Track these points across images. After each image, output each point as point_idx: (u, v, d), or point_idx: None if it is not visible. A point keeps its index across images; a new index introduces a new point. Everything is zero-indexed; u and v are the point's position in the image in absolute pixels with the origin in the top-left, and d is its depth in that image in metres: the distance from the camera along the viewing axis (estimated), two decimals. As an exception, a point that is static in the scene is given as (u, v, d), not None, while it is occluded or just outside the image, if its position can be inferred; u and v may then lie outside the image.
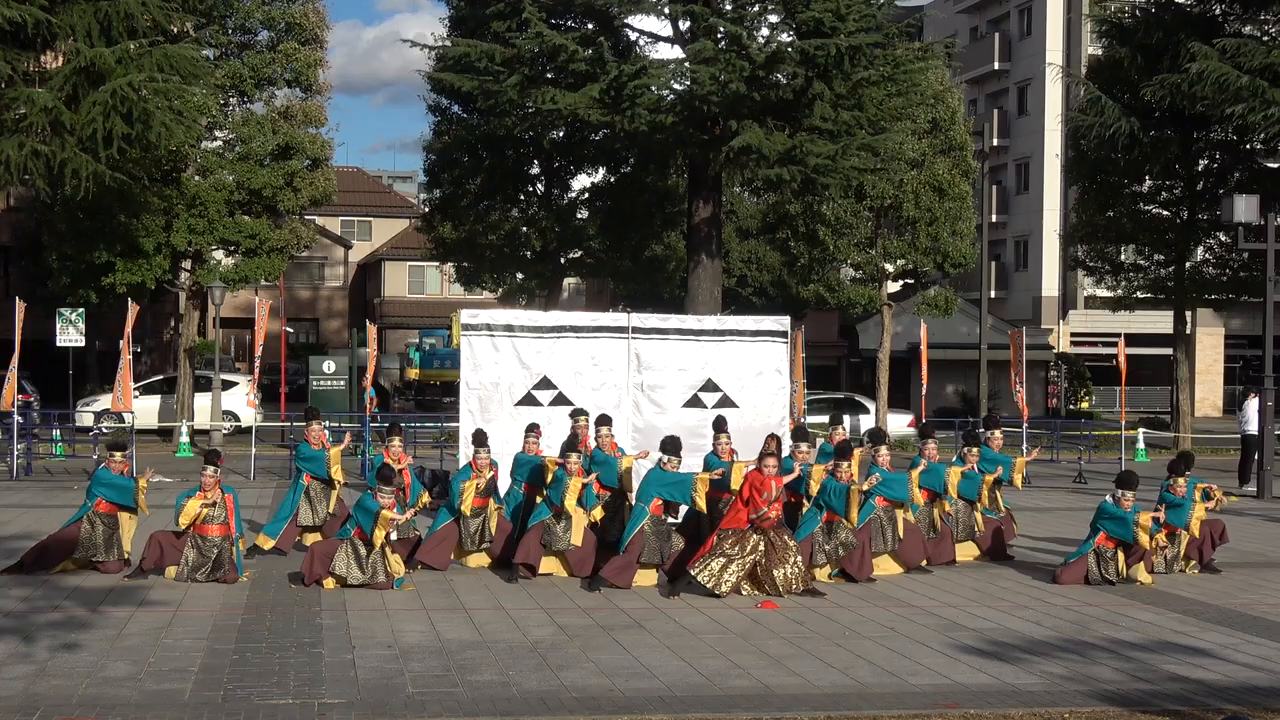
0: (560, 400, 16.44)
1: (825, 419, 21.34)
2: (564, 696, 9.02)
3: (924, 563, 14.33)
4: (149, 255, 30.71)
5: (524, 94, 24.61)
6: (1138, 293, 36.04)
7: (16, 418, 23.94)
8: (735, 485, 13.03)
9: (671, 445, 13.36)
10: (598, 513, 13.78)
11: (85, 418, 31.48)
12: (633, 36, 26.15)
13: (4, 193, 38.76)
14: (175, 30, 27.23)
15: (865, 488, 13.67)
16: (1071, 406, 47.33)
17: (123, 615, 11.39)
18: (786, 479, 13.29)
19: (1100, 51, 37.19)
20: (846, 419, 26.11)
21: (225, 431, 31.15)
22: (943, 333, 41.49)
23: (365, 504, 12.74)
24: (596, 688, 9.26)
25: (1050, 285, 51.58)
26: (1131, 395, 38.98)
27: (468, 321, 16.74)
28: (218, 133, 31.96)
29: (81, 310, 30.70)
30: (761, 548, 12.79)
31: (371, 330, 28.64)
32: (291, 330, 53.67)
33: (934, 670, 9.95)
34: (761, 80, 24.08)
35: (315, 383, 32.94)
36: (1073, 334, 51.02)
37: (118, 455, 13.77)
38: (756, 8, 25.18)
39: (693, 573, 12.68)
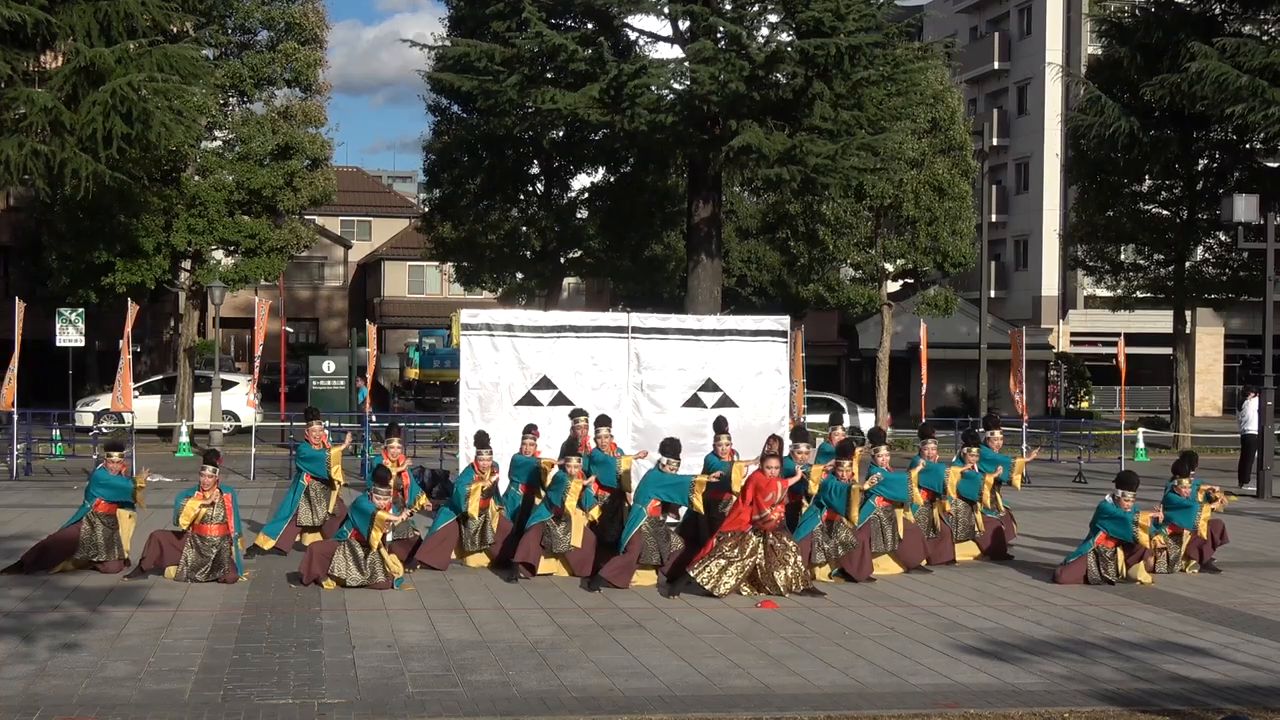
0: (560, 400, 16.44)
1: (825, 419, 21.34)
2: (564, 696, 9.02)
3: (924, 562, 14.33)
4: (149, 255, 30.71)
5: (524, 94, 24.62)
6: (1137, 292, 36.04)
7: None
8: (736, 487, 13.03)
9: (670, 447, 13.36)
10: (595, 512, 13.79)
11: (85, 418, 31.48)
12: (632, 36, 26.16)
13: (4, 193, 38.78)
14: (175, 30, 27.24)
15: (866, 487, 13.68)
16: (1071, 406, 47.33)
17: (123, 615, 11.39)
18: (791, 481, 13.30)
19: (1100, 51, 37.18)
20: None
21: (225, 431, 31.15)
22: (942, 332, 41.50)
23: (361, 505, 12.75)
24: (596, 687, 9.26)
25: (1050, 285, 51.59)
26: (1131, 395, 38.98)
27: (467, 321, 16.74)
28: (217, 133, 31.96)
29: (81, 310, 30.71)
30: (761, 550, 12.79)
31: (371, 330, 28.63)
32: (291, 330, 53.66)
33: (934, 670, 9.95)
34: (761, 80, 24.08)
35: (315, 383, 32.95)
36: (1072, 334, 51.01)
37: (115, 455, 13.78)
38: (756, 7, 25.19)
39: (692, 574, 12.68)
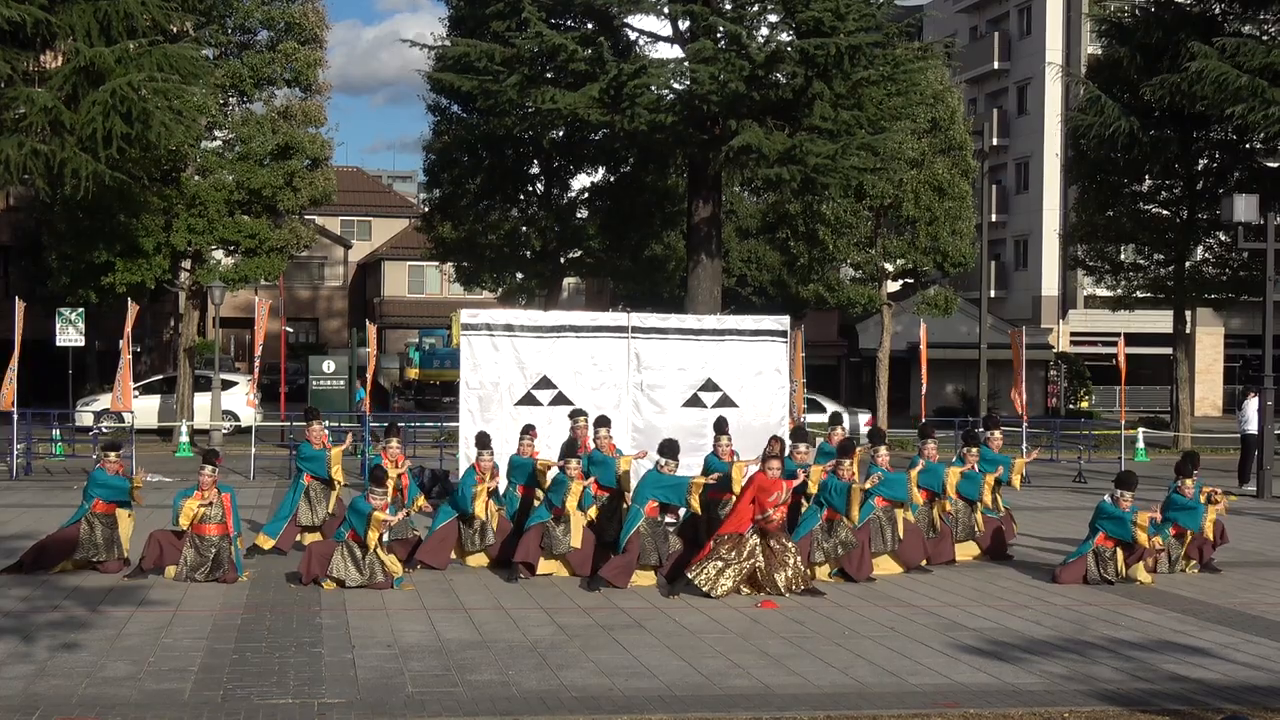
0: (560, 400, 16.44)
1: (825, 418, 21.32)
2: (564, 696, 9.02)
3: (924, 562, 14.33)
4: (149, 255, 30.71)
5: (524, 94, 24.62)
6: (1137, 292, 36.03)
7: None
8: (736, 488, 13.03)
9: (669, 449, 13.36)
10: (592, 512, 13.79)
11: (85, 418, 31.48)
12: (632, 36, 26.16)
13: (4, 192, 38.79)
14: (175, 30, 27.25)
15: (867, 486, 13.67)
16: (1071, 406, 47.32)
17: (122, 615, 11.39)
18: (794, 483, 13.30)
19: (1100, 51, 37.18)
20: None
21: (225, 431, 31.15)
22: (942, 332, 41.50)
23: (357, 506, 12.76)
24: (596, 687, 9.26)
25: (1050, 285, 51.58)
26: (1131, 395, 38.95)
27: (467, 321, 16.74)
28: (217, 132, 31.96)
29: (81, 310, 30.70)
30: (759, 553, 12.78)
31: (371, 330, 28.63)
32: (291, 330, 53.65)
33: (934, 670, 9.95)
34: (761, 80, 24.08)
35: (315, 383, 32.94)
36: (1072, 333, 51.01)
37: (112, 455, 13.79)
38: (756, 7, 25.19)
39: (689, 576, 12.68)
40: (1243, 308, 39.64)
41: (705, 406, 16.72)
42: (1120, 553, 13.70)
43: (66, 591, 12.36)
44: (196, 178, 31.38)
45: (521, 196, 35.74)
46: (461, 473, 15.05)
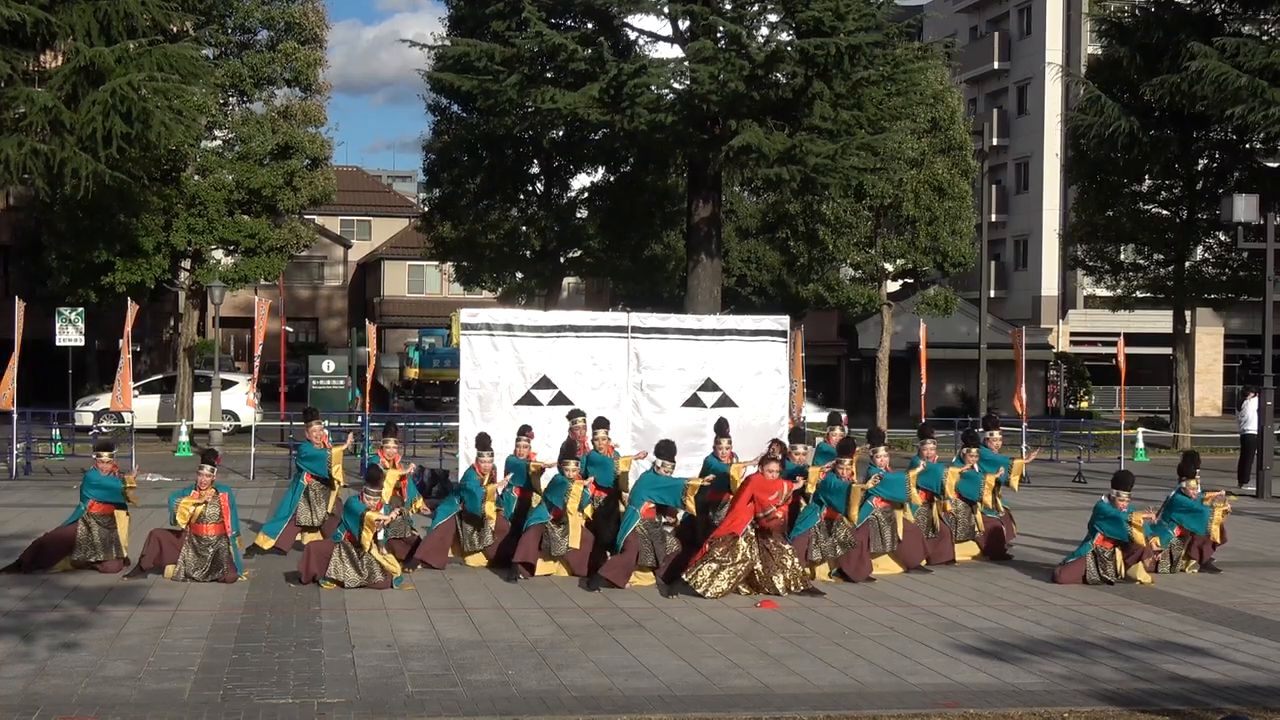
0: (560, 400, 16.45)
1: (824, 418, 21.31)
2: (563, 696, 9.02)
3: (924, 562, 14.33)
4: (149, 255, 30.71)
5: (524, 93, 24.63)
6: (1137, 292, 36.03)
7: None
8: (734, 489, 13.01)
9: (666, 450, 13.34)
10: (588, 511, 13.78)
11: (85, 417, 31.47)
12: (632, 36, 26.18)
13: (4, 192, 38.77)
14: (175, 30, 27.25)
15: (868, 486, 13.67)
16: (1071, 406, 47.32)
17: (122, 615, 11.39)
18: (795, 485, 13.29)
19: (1100, 51, 37.17)
20: None
21: (225, 431, 31.14)
22: (942, 332, 41.48)
23: (352, 506, 12.77)
24: (596, 687, 9.26)
25: (1050, 285, 51.58)
26: (1131, 395, 38.93)
27: (467, 321, 16.75)
28: (217, 132, 31.96)
29: (81, 310, 30.69)
30: (755, 554, 12.76)
31: (371, 330, 28.62)
32: (291, 330, 53.66)
33: (934, 670, 9.95)
34: (761, 80, 24.09)
35: (315, 382, 32.94)
36: (1072, 333, 51.01)
37: (105, 456, 13.78)
38: (756, 7, 25.20)
39: (685, 578, 12.68)
40: (1243, 308, 39.64)
41: (705, 406, 16.73)
42: (1119, 553, 13.70)
43: (66, 591, 12.36)
44: (196, 177, 31.37)
45: (521, 196, 35.74)
46: (461, 473, 15.05)
